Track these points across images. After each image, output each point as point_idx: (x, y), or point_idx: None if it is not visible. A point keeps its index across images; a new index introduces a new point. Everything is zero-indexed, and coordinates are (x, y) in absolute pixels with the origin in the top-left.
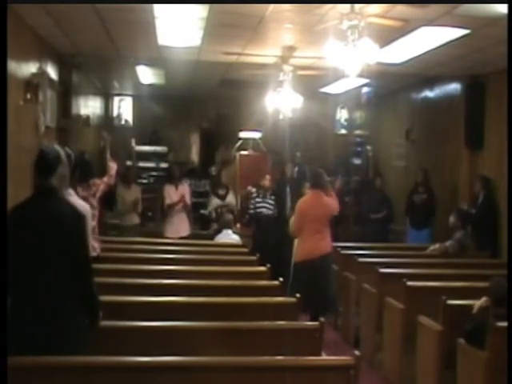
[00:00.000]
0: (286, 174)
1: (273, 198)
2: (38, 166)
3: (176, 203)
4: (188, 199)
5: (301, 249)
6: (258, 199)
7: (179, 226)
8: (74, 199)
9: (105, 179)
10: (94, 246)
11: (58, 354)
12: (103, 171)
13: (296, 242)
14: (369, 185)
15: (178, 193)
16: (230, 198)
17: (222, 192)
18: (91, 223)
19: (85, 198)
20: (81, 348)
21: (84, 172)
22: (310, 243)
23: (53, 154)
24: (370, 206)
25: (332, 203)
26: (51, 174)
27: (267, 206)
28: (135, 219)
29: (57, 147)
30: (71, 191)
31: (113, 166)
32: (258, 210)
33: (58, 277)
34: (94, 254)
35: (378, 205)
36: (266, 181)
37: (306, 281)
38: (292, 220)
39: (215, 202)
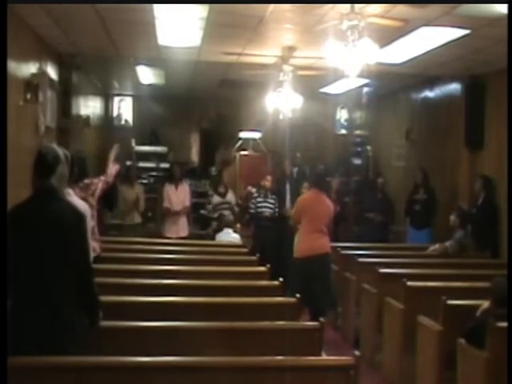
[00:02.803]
0: (286, 172)
1: (274, 197)
2: (38, 167)
3: (176, 212)
4: (188, 200)
5: (300, 246)
6: (259, 199)
7: (178, 227)
8: (74, 199)
9: (102, 177)
10: (94, 246)
11: (57, 354)
12: (103, 171)
13: (296, 238)
14: (369, 185)
15: (177, 193)
16: (230, 196)
17: (222, 190)
18: (91, 223)
19: (83, 199)
20: (80, 348)
21: (79, 172)
22: (308, 241)
23: (52, 154)
24: (371, 207)
25: (330, 205)
26: (51, 174)
27: (268, 205)
28: (137, 218)
29: (55, 147)
30: (70, 191)
31: (112, 166)
32: (259, 210)
33: (58, 277)
34: (93, 254)
35: (378, 205)
36: (267, 181)
37: (305, 278)
38: (292, 212)
39: (216, 199)
